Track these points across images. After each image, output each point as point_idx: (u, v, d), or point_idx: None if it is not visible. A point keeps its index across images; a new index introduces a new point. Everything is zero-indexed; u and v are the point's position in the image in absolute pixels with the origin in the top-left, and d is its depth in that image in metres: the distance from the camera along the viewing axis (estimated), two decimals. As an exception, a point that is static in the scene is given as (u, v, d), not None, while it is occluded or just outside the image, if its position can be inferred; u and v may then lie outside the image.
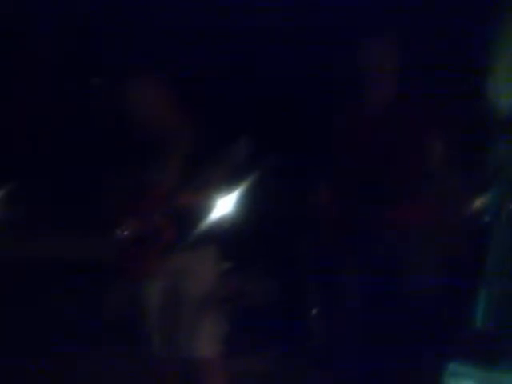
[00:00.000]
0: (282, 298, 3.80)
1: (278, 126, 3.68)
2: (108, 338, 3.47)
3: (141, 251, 2.88)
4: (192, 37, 3.53)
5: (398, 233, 2.91)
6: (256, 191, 3.08)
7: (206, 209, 2.89)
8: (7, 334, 3.44)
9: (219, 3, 3.52)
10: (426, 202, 2.91)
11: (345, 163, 3.03)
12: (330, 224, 3.11)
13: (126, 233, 2.88)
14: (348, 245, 3.05)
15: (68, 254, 3.80)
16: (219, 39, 3.60)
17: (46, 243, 3.81)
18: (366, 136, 2.99)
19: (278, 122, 3.68)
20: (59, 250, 3.82)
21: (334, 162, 3.08)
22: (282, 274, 3.81)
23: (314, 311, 3.63)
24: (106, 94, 3.07)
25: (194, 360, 2.89)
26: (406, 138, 2.92)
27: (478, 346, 2.90)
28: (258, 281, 3.85)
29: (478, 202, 3.20)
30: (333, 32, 3.38)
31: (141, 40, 3.36)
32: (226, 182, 2.96)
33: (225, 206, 2.96)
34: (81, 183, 3.51)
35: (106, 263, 3.13)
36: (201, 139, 2.88)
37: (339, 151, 3.06)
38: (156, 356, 2.94)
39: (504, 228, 3.10)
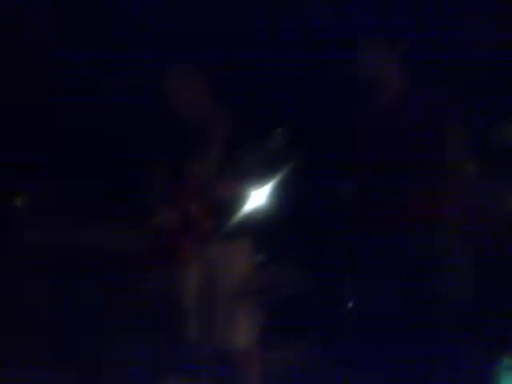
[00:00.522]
0: (317, 289, 3.81)
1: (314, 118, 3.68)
2: (146, 325, 3.54)
3: (177, 241, 2.93)
4: (232, 28, 3.54)
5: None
6: (292, 183, 3.10)
7: (243, 200, 2.93)
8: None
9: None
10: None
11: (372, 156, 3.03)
12: (362, 216, 3.12)
13: (164, 222, 2.94)
14: (381, 237, 3.06)
15: (107, 243, 3.88)
16: (260, 30, 3.60)
17: (88, 232, 3.89)
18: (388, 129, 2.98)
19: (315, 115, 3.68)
20: (99, 238, 3.90)
21: (362, 156, 3.08)
22: (317, 266, 3.82)
23: (349, 303, 3.64)
24: (146, 85, 3.12)
25: (229, 349, 2.94)
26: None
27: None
28: (294, 273, 3.87)
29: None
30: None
31: (180, 32, 3.39)
32: (263, 173, 2.99)
33: (261, 197, 2.99)
34: (122, 173, 3.57)
35: (145, 252, 3.19)
36: (238, 130, 2.91)
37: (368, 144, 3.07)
38: (192, 344, 3.00)
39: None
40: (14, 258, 3.92)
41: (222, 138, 2.93)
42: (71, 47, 3.53)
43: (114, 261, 3.74)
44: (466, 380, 2.88)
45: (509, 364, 2.87)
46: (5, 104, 3.61)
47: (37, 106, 3.71)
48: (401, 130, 2.86)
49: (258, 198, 2.98)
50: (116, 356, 3.41)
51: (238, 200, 2.93)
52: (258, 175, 2.98)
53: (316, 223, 3.69)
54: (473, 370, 2.92)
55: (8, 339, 3.39)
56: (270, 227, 3.16)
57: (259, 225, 3.01)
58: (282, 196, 3.09)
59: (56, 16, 3.60)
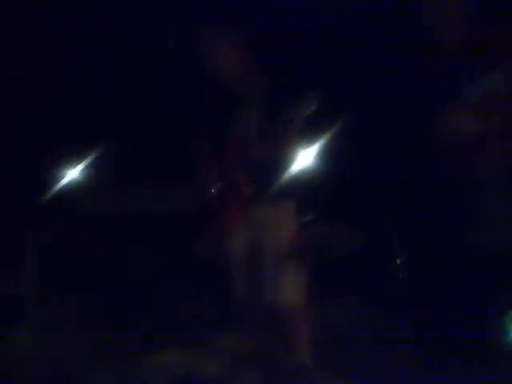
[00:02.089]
0: (366, 249, 3.81)
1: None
2: (195, 288, 3.63)
3: (222, 204, 2.98)
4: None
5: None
6: (336, 145, 3.09)
7: (285, 162, 2.94)
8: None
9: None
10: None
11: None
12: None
13: (207, 187, 2.99)
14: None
15: (156, 208, 3.96)
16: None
17: (136, 197, 3.98)
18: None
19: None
20: (148, 203, 3.99)
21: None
22: (365, 225, 3.81)
23: (398, 261, 3.63)
24: (185, 53, 3.14)
25: (278, 308, 2.99)
26: None
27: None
28: (341, 233, 3.88)
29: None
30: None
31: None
32: (306, 135, 2.99)
33: (304, 159, 3.00)
34: (167, 140, 3.62)
35: (191, 216, 3.25)
36: (277, 93, 2.91)
37: None
38: (241, 304, 3.06)
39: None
40: (72, 227, 4.06)
41: (263, 100, 2.93)
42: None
43: (163, 227, 3.83)
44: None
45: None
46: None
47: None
48: None
49: (302, 159, 2.99)
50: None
51: (280, 162, 2.95)
52: (301, 137, 2.99)
53: (361, 184, 3.68)
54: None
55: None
56: (315, 188, 3.17)
57: (304, 186, 3.01)
58: (326, 157, 3.09)
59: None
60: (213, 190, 3.01)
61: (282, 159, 2.95)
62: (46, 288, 3.61)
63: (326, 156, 3.09)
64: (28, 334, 3.32)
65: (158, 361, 3.11)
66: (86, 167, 3.69)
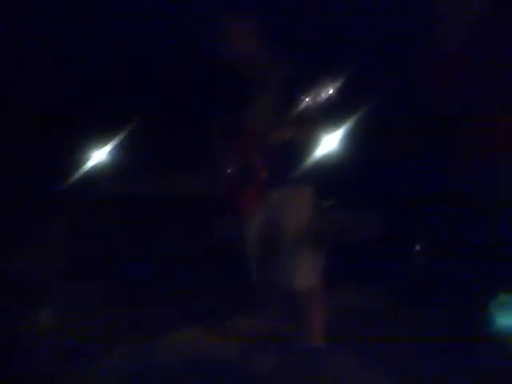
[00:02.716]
0: (383, 234, 3.80)
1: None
2: (214, 271, 3.67)
3: (239, 188, 2.99)
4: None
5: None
6: (354, 129, 3.08)
7: (303, 146, 2.94)
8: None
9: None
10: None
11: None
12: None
13: (224, 171, 3.00)
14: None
15: (175, 192, 4.01)
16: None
17: (156, 182, 4.04)
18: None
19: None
20: (167, 187, 4.04)
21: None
22: (382, 210, 3.81)
23: (417, 247, 3.63)
24: (202, 37, 3.14)
25: (293, 292, 3.01)
26: None
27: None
28: (359, 218, 3.87)
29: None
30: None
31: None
32: (323, 119, 2.98)
33: (322, 143, 2.99)
34: (186, 125, 3.65)
35: (209, 200, 3.28)
36: (293, 77, 2.90)
37: None
38: (258, 287, 3.09)
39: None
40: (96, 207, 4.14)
41: (281, 83, 2.92)
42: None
43: (183, 210, 3.87)
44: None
45: (503, 300, 2.86)
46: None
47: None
48: None
49: (320, 143, 2.99)
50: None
51: (299, 146, 2.95)
52: (320, 121, 2.98)
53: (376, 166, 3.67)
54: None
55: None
56: (333, 173, 3.17)
57: (322, 170, 3.01)
58: (346, 142, 3.09)
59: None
60: (230, 175, 3.02)
61: (300, 143, 2.95)
62: (72, 267, 3.69)
63: (346, 140, 3.08)
64: (54, 311, 3.40)
65: (177, 340, 3.15)
66: (111, 151, 3.74)
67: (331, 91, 2.85)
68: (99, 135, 3.79)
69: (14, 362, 2.89)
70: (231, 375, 2.85)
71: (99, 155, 3.79)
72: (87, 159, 3.76)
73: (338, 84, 2.87)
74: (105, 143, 3.76)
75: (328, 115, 2.97)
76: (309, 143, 2.97)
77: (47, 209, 3.94)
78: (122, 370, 2.90)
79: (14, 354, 2.97)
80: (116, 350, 3.04)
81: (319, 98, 2.84)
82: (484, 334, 2.90)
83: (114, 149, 3.78)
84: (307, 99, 2.84)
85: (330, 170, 3.08)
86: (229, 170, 3.00)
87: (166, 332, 3.17)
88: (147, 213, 3.96)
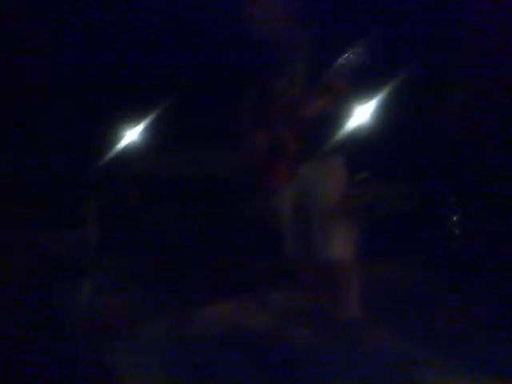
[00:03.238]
0: (420, 205, 3.77)
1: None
2: (248, 245, 3.69)
3: (271, 162, 2.98)
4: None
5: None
6: (389, 99, 3.04)
7: (333, 117, 2.91)
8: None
9: None
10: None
11: None
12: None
13: (256, 145, 2.99)
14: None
15: (207, 167, 4.03)
16: None
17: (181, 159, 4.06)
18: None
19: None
20: (198, 163, 4.05)
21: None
22: (418, 181, 3.77)
23: (454, 217, 3.58)
24: (229, 10, 3.12)
25: (328, 263, 3.00)
26: None
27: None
28: (393, 188, 3.84)
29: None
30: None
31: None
32: (355, 89, 2.94)
33: (355, 113, 2.96)
34: (216, 100, 3.64)
35: (240, 175, 3.28)
36: (323, 46, 2.86)
37: None
38: (292, 259, 3.09)
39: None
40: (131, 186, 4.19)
41: (310, 53, 2.89)
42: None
43: (214, 186, 3.90)
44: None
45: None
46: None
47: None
48: None
49: (353, 113, 2.95)
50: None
51: (329, 117, 2.92)
52: (352, 90, 2.95)
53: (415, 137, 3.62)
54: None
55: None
56: (367, 144, 3.14)
57: (355, 141, 2.98)
58: (379, 111, 3.05)
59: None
60: (262, 148, 3.00)
61: (332, 114, 2.92)
62: (109, 245, 3.75)
63: (378, 110, 3.04)
64: (95, 285, 3.46)
65: (214, 313, 3.19)
66: (143, 129, 3.77)
67: (363, 59, 2.81)
68: (131, 113, 3.81)
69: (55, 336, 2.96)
70: (267, 347, 2.88)
71: (132, 134, 3.81)
72: (120, 138, 3.79)
73: (369, 51, 2.83)
74: (137, 122, 3.78)
75: (360, 84, 2.93)
76: (341, 114, 2.93)
77: (82, 187, 4.00)
78: (162, 342, 2.96)
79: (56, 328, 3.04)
80: (155, 323, 3.11)
81: (350, 67, 2.80)
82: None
83: (145, 127, 3.79)
84: (338, 68, 2.81)
85: (363, 140, 3.04)
86: (261, 144, 2.98)
87: (204, 305, 3.22)
88: (180, 189, 3.99)
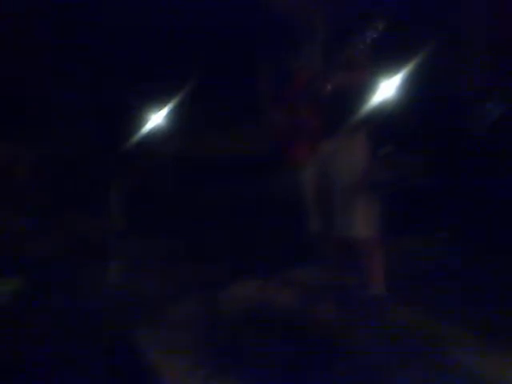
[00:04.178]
0: (443, 181, 3.73)
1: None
2: (271, 222, 3.71)
3: (294, 138, 2.98)
4: None
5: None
6: (410, 74, 3.01)
7: (354, 92, 2.90)
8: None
9: None
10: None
11: None
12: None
13: (280, 121, 2.99)
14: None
15: (230, 146, 4.05)
16: None
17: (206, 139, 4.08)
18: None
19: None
20: (222, 142, 4.07)
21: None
22: (443, 157, 3.73)
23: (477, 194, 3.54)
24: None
25: (352, 240, 3.01)
26: None
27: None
28: (417, 164, 3.81)
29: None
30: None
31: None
32: (376, 64, 2.92)
33: (374, 88, 2.94)
34: (235, 78, 3.64)
35: (264, 152, 3.29)
36: (344, 22, 2.84)
37: None
38: (317, 236, 3.10)
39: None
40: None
41: (328, 32, 2.88)
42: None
43: (236, 163, 3.91)
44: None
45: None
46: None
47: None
48: None
49: (373, 89, 2.94)
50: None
51: (351, 93, 2.90)
52: (373, 65, 2.93)
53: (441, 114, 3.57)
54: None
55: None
56: (390, 120, 3.12)
57: (378, 116, 2.96)
58: (401, 86, 3.02)
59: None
60: (285, 125, 3.00)
61: (354, 90, 2.90)
62: (135, 227, 3.79)
63: (400, 85, 3.02)
64: (121, 267, 3.51)
65: (238, 292, 3.22)
66: (169, 111, 3.79)
67: (383, 35, 2.79)
68: (157, 96, 3.84)
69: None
70: (293, 323, 2.90)
71: (157, 116, 3.84)
72: (146, 120, 3.82)
73: (390, 28, 2.80)
74: (162, 104, 3.81)
75: (381, 60, 2.91)
76: (363, 89, 2.91)
77: (110, 168, 4.04)
78: (189, 321, 3.00)
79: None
80: (182, 303, 3.15)
81: (371, 43, 2.79)
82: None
83: (170, 109, 3.82)
84: (359, 43, 2.79)
85: (386, 116, 3.02)
86: (284, 120, 2.98)
87: (230, 283, 3.25)
88: (204, 169, 4.02)
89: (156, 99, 3.77)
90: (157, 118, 3.78)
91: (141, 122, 3.78)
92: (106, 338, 2.85)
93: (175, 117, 3.74)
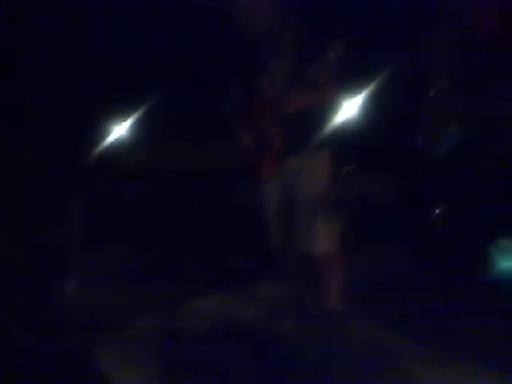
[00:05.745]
0: (403, 197, 3.80)
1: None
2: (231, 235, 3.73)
3: (257, 156, 3.01)
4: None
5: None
6: (372, 94, 3.07)
7: (317, 111, 2.94)
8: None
9: None
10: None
11: None
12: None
13: (242, 139, 3.02)
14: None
15: (193, 161, 4.06)
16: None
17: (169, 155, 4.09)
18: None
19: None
20: (185, 157, 4.08)
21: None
22: (402, 173, 3.80)
23: (437, 210, 3.62)
24: (213, 7, 3.14)
25: (311, 256, 3.03)
26: None
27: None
28: (378, 182, 3.87)
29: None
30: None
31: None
32: (339, 84, 2.97)
33: (337, 107, 2.98)
34: (202, 95, 3.66)
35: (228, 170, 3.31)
36: (308, 43, 2.88)
37: None
38: (276, 251, 3.12)
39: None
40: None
41: (292, 53, 2.91)
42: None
43: (199, 179, 3.93)
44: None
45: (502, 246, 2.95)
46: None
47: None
48: None
49: (336, 108, 2.98)
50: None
51: (314, 112, 2.95)
52: (336, 85, 2.97)
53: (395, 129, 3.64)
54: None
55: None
56: (350, 138, 3.16)
57: (340, 135, 3.00)
58: (362, 105, 3.07)
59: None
60: (248, 143, 3.03)
61: (317, 109, 2.95)
62: (96, 240, 3.76)
63: (363, 104, 3.07)
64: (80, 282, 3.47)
65: (201, 306, 3.22)
66: (132, 125, 3.79)
67: (346, 55, 2.84)
68: (116, 110, 3.83)
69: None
70: (253, 339, 2.91)
71: (119, 129, 3.82)
72: (108, 133, 3.80)
73: (352, 48, 2.86)
74: (125, 117, 3.80)
75: (344, 80, 2.96)
76: (326, 109, 2.96)
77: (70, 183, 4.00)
78: (152, 336, 2.99)
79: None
80: (144, 317, 3.13)
81: (334, 63, 2.83)
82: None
83: (133, 123, 3.81)
84: (322, 64, 2.84)
85: (349, 134, 3.07)
86: (247, 140, 3.01)
87: (192, 298, 3.25)
88: (167, 184, 4.02)
89: (120, 112, 3.76)
90: (120, 131, 3.77)
91: (104, 133, 3.76)
92: (63, 353, 2.81)
93: (139, 130, 3.73)
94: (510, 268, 3.21)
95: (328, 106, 2.97)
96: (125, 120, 3.77)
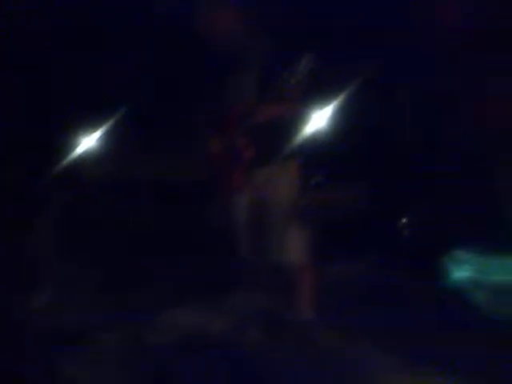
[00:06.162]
0: (372, 207, 3.84)
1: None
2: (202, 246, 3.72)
3: (225, 168, 3.02)
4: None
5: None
6: (341, 106, 3.10)
7: (285, 123, 2.96)
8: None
9: None
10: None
11: None
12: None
13: (210, 152, 3.03)
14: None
15: (162, 173, 4.06)
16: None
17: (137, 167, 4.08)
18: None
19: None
20: (155, 169, 4.07)
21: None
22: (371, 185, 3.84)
23: (404, 220, 3.68)
24: (183, 18, 3.15)
25: (282, 267, 3.04)
26: None
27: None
28: (346, 192, 3.91)
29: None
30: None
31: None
32: (308, 96, 2.99)
33: (305, 119, 3.01)
34: (170, 108, 3.66)
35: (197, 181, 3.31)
36: (275, 55, 2.91)
37: None
38: (247, 263, 3.13)
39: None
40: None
41: (260, 65, 2.94)
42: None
43: (169, 191, 3.93)
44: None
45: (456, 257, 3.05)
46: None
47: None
48: None
49: (304, 120, 3.01)
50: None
51: (279, 124, 2.97)
52: (305, 97, 3.00)
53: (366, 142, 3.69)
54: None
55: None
56: (320, 149, 3.19)
57: (308, 147, 3.03)
58: (331, 117, 3.10)
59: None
60: (216, 155, 3.03)
61: (285, 121, 2.97)
62: (63, 256, 3.72)
63: (331, 116, 3.10)
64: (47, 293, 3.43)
65: (170, 318, 3.20)
66: (99, 137, 3.76)
67: (314, 68, 2.87)
68: (85, 122, 3.80)
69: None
70: (223, 351, 2.91)
71: (86, 142, 3.80)
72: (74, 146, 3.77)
73: (321, 61, 2.89)
74: (92, 129, 3.78)
75: (312, 92, 2.99)
76: (294, 120, 2.99)
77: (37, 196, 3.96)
78: (118, 350, 2.96)
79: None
80: (111, 331, 3.10)
81: (302, 75, 2.86)
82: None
83: (100, 134, 3.79)
84: (291, 76, 2.86)
85: (318, 146, 3.10)
86: (217, 151, 3.02)
87: (161, 310, 3.23)
88: (135, 196, 4.00)
89: (89, 123, 3.74)
90: (89, 143, 3.75)
91: (72, 146, 3.74)
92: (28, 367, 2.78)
93: (108, 142, 3.71)
94: (461, 277, 3.35)
95: (297, 118, 2.99)
96: (93, 131, 3.74)
